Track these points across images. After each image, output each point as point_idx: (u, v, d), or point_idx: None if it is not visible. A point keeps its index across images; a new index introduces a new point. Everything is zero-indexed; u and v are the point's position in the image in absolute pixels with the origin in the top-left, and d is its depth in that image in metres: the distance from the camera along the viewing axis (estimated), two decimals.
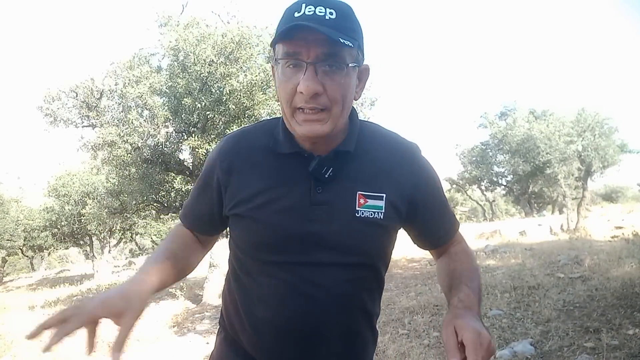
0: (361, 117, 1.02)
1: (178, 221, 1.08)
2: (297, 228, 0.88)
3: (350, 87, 0.85)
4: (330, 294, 0.90)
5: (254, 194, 0.91)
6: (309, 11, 0.79)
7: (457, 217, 1.12)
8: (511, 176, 18.87)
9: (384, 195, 0.91)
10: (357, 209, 0.90)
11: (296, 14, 0.80)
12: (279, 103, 0.90)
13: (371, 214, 0.90)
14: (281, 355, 0.94)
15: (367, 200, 0.90)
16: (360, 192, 0.90)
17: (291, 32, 0.78)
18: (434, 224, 1.01)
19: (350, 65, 0.83)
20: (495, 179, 20.78)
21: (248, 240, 0.93)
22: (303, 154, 0.90)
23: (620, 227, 10.62)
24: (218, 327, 1.13)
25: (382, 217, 0.91)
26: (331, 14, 0.80)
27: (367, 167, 0.93)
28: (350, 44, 0.79)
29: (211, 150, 1.09)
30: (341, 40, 0.77)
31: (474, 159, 20.13)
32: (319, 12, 0.79)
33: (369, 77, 0.93)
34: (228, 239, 1.03)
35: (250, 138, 0.96)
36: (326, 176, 0.88)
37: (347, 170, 0.91)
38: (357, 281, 0.93)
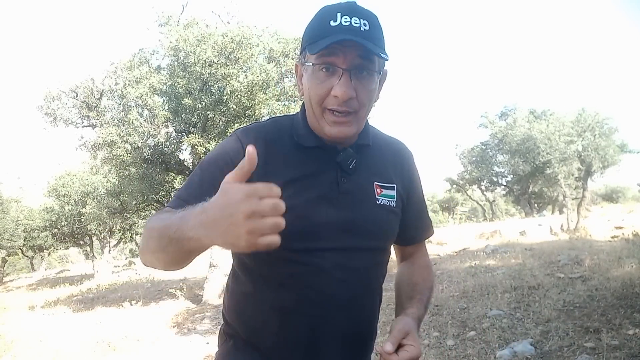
0: None
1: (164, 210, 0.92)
2: (330, 215, 0.92)
3: (375, 92, 0.93)
4: (361, 278, 0.96)
5: (283, 184, 0.88)
6: (345, 22, 0.85)
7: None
8: (511, 176, 18.87)
9: (395, 185, 1.01)
10: (377, 196, 0.98)
11: (332, 23, 0.86)
12: (303, 101, 0.97)
13: (387, 202, 0.99)
14: (311, 342, 0.94)
15: (382, 190, 0.99)
16: (376, 183, 0.99)
17: (335, 44, 0.84)
18: (413, 222, 1.09)
19: (378, 72, 0.91)
20: (495, 179, 20.78)
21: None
22: (327, 147, 0.95)
23: (620, 227, 10.62)
24: (222, 337, 1.08)
25: (394, 205, 1.00)
26: (365, 25, 0.86)
27: (379, 159, 1.02)
28: (385, 56, 0.87)
29: (218, 144, 1.03)
30: (379, 53, 0.85)
31: (474, 159, 20.13)
32: (355, 23, 0.85)
33: (385, 80, 1.00)
34: None
35: (267, 132, 0.98)
36: (350, 167, 0.95)
37: (365, 162, 0.98)
38: (379, 265, 1.01)
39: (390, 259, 1.06)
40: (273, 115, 1.23)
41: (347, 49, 0.85)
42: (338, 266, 0.93)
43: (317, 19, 0.90)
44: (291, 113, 1.10)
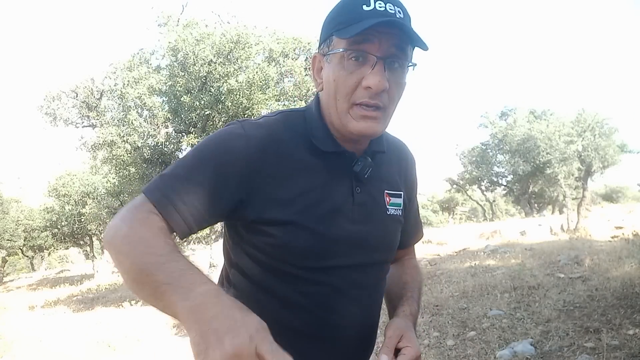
0: None
1: (141, 200, 0.76)
2: (344, 231, 0.85)
3: (404, 87, 0.84)
4: (372, 294, 0.91)
5: (294, 195, 0.81)
6: (380, 7, 0.76)
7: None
8: (511, 176, 18.88)
9: (402, 193, 0.95)
10: (387, 206, 0.92)
11: (365, 7, 0.76)
12: (317, 94, 0.88)
13: (395, 211, 0.93)
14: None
15: (391, 198, 0.93)
16: (386, 191, 0.92)
17: (373, 28, 0.75)
18: (410, 227, 1.04)
19: (410, 65, 0.82)
20: (495, 179, 20.79)
21: (289, 247, 0.82)
22: (345, 153, 0.86)
23: (620, 227, 10.62)
24: None
25: (400, 213, 0.94)
26: (400, 12, 0.78)
27: (387, 165, 0.94)
28: (425, 45, 0.78)
29: (219, 132, 0.85)
30: (420, 42, 0.77)
31: (474, 159, 20.14)
32: (390, 9, 0.77)
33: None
34: (226, 245, 0.92)
35: (276, 129, 0.85)
36: (366, 176, 0.87)
37: (376, 168, 0.91)
38: (385, 277, 0.97)
39: None
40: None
41: (382, 36, 0.76)
42: (354, 284, 0.87)
43: (345, 3, 0.80)
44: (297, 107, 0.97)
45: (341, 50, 0.78)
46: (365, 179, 0.87)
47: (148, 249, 0.68)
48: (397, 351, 0.81)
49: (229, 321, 0.58)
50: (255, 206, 0.81)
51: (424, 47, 0.78)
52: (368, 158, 0.87)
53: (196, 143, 5.01)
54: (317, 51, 0.86)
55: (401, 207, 0.94)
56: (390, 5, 0.77)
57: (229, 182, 0.79)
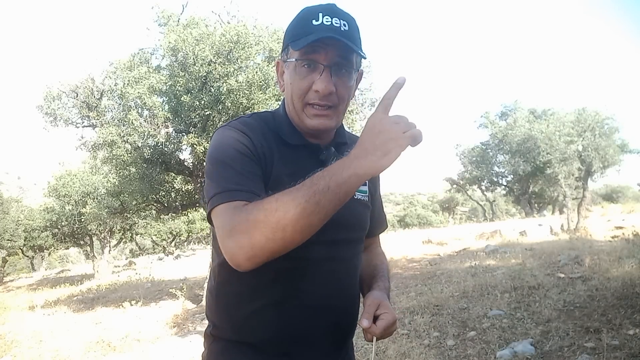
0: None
1: (218, 213, 0.85)
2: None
3: (353, 88, 0.99)
4: (347, 267, 1.05)
5: (275, 179, 0.94)
6: (327, 21, 0.91)
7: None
8: (511, 176, 18.88)
9: (367, 182, 1.08)
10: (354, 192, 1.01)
11: (314, 22, 0.91)
12: (283, 97, 1.03)
13: (362, 197, 1.08)
14: (306, 332, 0.98)
15: None
16: None
17: (317, 41, 0.90)
18: (375, 216, 1.19)
19: (356, 70, 0.97)
20: (495, 179, 20.79)
21: None
22: (311, 146, 1.01)
23: (621, 227, 10.62)
24: (209, 338, 1.07)
25: (367, 199, 1.10)
26: (344, 25, 0.92)
27: None
28: (363, 54, 0.93)
29: (218, 141, 0.96)
30: (358, 51, 0.91)
31: (474, 159, 20.13)
32: (335, 23, 0.91)
33: (361, 79, 1.08)
34: (214, 240, 1.00)
35: (254, 125, 0.99)
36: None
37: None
38: (357, 255, 1.09)
39: None
40: None
41: (328, 47, 0.90)
42: (328, 258, 0.99)
43: (299, 18, 0.95)
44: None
45: (294, 60, 0.93)
46: None
47: (287, 195, 0.77)
48: (375, 318, 0.95)
49: (371, 134, 0.75)
50: (267, 178, 0.94)
51: (363, 56, 0.94)
52: (332, 148, 1.02)
53: (196, 143, 4.94)
54: (279, 57, 1.03)
55: (367, 194, 1.10)
56: (337, 19, 0.92)
57: (253, 154, 0.93)
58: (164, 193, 8.26)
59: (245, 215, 0.80)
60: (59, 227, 17.80)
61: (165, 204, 8.59)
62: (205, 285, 7.87)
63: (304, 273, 0.97)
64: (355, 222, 1.06)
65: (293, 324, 0.97)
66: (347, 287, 1.05)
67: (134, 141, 6.92)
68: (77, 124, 7.87)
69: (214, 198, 0.86)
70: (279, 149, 0.98)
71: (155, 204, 8.86)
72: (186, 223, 22.54)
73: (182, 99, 6.61)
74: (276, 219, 0.76)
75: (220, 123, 7.00)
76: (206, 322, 1.13)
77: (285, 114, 1.02)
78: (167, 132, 7.15)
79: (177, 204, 8.51)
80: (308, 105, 0.95)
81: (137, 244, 28.57)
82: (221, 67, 6.48)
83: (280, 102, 1.08)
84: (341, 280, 1.03)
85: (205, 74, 6.60)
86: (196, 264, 15.37)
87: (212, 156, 0.94)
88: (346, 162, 0.75)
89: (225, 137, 0.94)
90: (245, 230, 0.78)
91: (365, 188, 1.10)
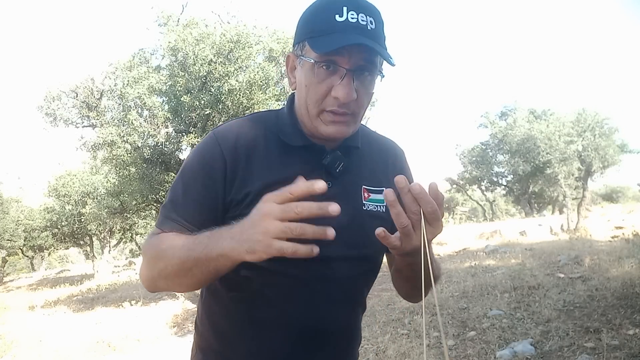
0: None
1: (154, 230, 0.89)
2: (310, 223, 0.83)
3: (373, 94, 0.88)
4: (339, 289, 0.91)
5: (263, 186, 0.83)
6: (352, 18, 0.78)
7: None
8: (511, 176, 18.87)
9: (384, 189, 0.91)
10: (363, 202, 0.91)
11: (338, 18, 0.78)
12: (289, 94, 0.91)
13: (375, 208, 0.92)
14: (286, 354, 0.90)
15: (370, 194, 0.92)
16: (364, 186, 0.92)
17: (343, 46, 0.78)
18: None
19: (380, 73, 0.85)
20: (495, 179, 20.79)
21: None
22: (314, 148, 0.89)
23: (621, 227, 10.62)
24: (193, 350, 1.03)
25: (384, 210, 0.92)
26: (371, 23, 0.80)
27: (367, 162, 0.95)
28: (392, 61, 0.80)
29: (197, 146, 0.95)
30: (387, 57, 0.80)
31: (474, 159, 20.12)
32: (362, 20, 0.79)
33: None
34: None
35: (246, 129, 0.90)
36: (337, 170, 0.88)
37: (353, 164, 0.92)
38: (361, 275, 0.95)
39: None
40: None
41: (353, 50, 0.78)
42: (320, 277, 0.87)
43: (320, 9, 0.82)
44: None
45: (312, 60, 0.81)
46: (338, 173, 0.88)
47: (171, 247, 0.79)
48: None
49: (249, 218, 0.70)
50: (233, 197, 0.87)
51: (391, 62, 0.81)
52: (338, 152, 0.89)
53: (196, 143, 4.99)
54: (291, 50, 0.88)
55: (384, 204, 0.91)
56: (363, 15, 0.79)
57: (217, 185, 0.86)
58: (164, 193, 8.24)
59: (149, 248, 0.84)
60: (59, 227, 17.80)
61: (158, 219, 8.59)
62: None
63: (288, 292, 0.87)
64: (359, 237, 0.89)
65: (274, 346, 0.89)
66: (342, 311, 0.93)
67: (134, 141, 6.93)
68: (77, 124, 7.88)
69: (158, 216, 0.90)
70: (274, 152, 0.88)
71: (155, 204, 8.86)
72: None
73: (182, 99, 6.61)
74: (159, 268, 0.81)
75: (220, 123, 7.02)
76: None
77: (290, 113, 0.91)
78: (167, 132, 7.16)
79: None
80: (324, 111, 0.83)
81: (137, 244, 28.51)
82: (221, 66, 6.49)
83: (279, 102, 0.98)
84: (335, 303, 0.91)
85: (205, 73, 6.60)
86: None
87: (182, 166, 0.93)
88: (224, 234, 0.71)
89: (198, 149, 0.91)
90: (144, 261, 0.85)
91: (380, 196, 0.91)
